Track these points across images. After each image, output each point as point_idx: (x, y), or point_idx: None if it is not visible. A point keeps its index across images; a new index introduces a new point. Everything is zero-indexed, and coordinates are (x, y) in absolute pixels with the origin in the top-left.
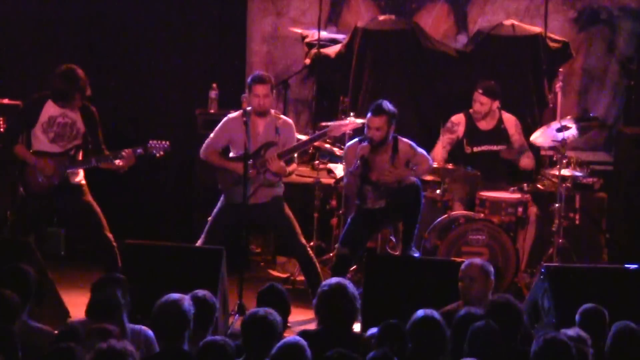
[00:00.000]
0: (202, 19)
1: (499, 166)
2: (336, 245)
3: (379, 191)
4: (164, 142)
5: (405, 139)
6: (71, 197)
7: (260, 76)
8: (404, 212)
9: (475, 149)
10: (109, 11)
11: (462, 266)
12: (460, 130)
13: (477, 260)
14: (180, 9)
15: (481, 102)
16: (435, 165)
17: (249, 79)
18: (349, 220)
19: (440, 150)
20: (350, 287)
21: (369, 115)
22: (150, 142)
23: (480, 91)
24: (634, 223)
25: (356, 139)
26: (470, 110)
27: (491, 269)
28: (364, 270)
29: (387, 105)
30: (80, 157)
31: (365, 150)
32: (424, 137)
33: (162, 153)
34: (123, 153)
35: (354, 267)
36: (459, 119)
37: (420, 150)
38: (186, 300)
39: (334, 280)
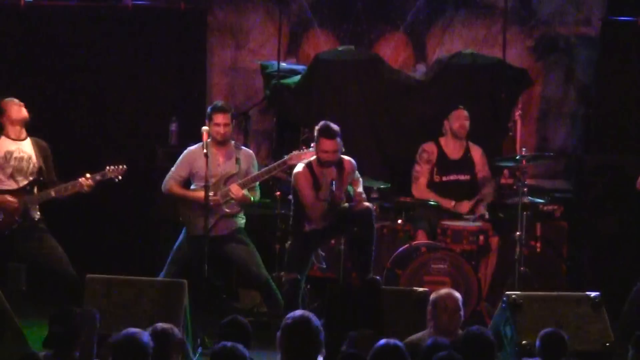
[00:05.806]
0: (161, 51)
1: (464, 195)
2: (282, 273)
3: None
4: (121, 166)
5: (346, 157)
6: (31, 233)
7: (221, 105)
8: (360, 239)
9: (444, 179)
10: (70, 45)
11: (437, 296)
12: (434, 158)
13: (454, 291)
14: (140, 41)
15: (466, 117)
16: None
17: (209, 108)
18: (290, 245)
19: (424, 184)
20: (314, 319)
21: (321, 139)
22: (108, 167)
23: (462, 107)
24: (594, 250)
25: (302, 165)
26: (449, 132)
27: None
28: (326, 301)
29: (334, 125)
30: (36, 192)
31: (333, 174)
32: (385, 166)
33: (120, 177)
34: (80, 180)
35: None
36: (431, 147)
37: (357, 172)
38: (145, 335)
39: (298, 312)
